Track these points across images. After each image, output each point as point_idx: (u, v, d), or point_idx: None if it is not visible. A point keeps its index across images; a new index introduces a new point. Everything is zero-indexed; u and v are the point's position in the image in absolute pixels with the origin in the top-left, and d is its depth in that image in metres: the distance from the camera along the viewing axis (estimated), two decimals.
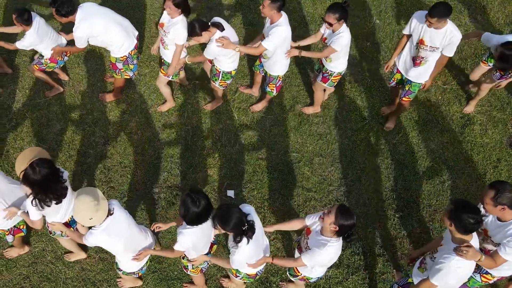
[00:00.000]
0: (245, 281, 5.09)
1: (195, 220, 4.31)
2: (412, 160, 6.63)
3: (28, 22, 6.07)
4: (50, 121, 6.83)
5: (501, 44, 5.90)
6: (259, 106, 7.01)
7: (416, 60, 6.02)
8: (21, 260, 5.83)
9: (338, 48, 5.95)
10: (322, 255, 4.39)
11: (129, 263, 4.90)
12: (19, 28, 6.28)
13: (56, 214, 4.77)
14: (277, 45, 5.95)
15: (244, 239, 4.35)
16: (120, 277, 5.68)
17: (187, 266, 5.05)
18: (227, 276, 5.68)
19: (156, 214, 6.13)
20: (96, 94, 7.08)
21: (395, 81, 6.47)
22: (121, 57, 6.43)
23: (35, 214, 4.65)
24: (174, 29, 5.91)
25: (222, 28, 5.84)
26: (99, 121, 6.85)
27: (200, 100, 7.10)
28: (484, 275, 4.94)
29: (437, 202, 6.30)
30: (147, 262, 5.12)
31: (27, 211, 4.70)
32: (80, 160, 6.52)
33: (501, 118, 7.03)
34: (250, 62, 7.43)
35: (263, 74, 6.69)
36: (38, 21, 6.18)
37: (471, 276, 4.95)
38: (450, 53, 5.83)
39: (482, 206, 4.50)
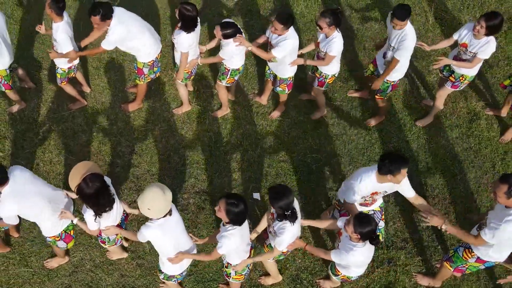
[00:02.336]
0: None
1: (238, 217, 4.55)
2: (424, 156, 6.92)
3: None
4: (76, 133, 6.98)
5: (481, 19, 6.01)
6: (277, 113, 7.23)
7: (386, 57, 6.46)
8: (62, 270, 6.01)
9: (335, 53, 6.25)
10: (349, 258, 4.75)
11: (172, 265, 5.11)
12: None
13: (109, 218, 5.02)
14: (285, 54, 6.23)
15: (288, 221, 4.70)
16: (163, 282, 5.90)
17: (230, 273, 5.25)
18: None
19: (188, 219, 6.34)
20: (118, 105, 7.23)
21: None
22: (149, 62, 6.60)
23: (93, 225, 4.91)
24: (178, 37, 6.14)
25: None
26: (124, 131, 7.02)
27: (219, 106, 7.30)
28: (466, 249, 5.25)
29: (451, 195, 6.61)
30: (187, 268, 5.36)
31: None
32: (109, 170, 6.69)
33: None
34: (259, 71, 7.69)
35: (272, 79, 6.89)
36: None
37: (456, 250, 5.34)
38: (398, 56, 6.15)
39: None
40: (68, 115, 7.12)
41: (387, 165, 4.79)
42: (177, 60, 6.51)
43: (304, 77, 7.42)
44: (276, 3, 8.36)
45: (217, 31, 6.05)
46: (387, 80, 6.54)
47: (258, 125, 7.13)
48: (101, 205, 4.76)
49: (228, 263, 5.16)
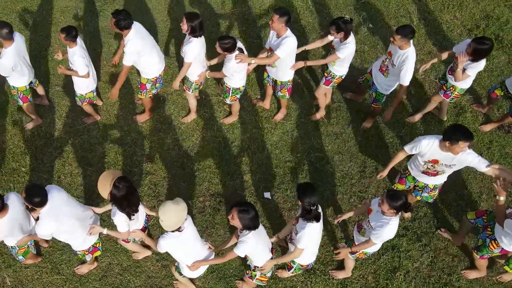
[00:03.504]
0: (295, 274, 5.80)
1: (251, 223, 4.90)
2: None
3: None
4: (92, 145, 7.26)
5: (472, 40, 6.38)
6: (280, 116, 7.59)
7: (382, 67, 6.78)
8: (92, 275, 6.32)
9: (342, 55, 6.56)
10: (387, 232, 5.15)
11: (189, 271, 5.42)
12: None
13: (136, 222, 5.37)
14: (287, 53, 6.50)
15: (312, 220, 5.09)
16: (177, 280, 6.25)
17: (255, 275, 5.59)
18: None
19: (205, 221, 6.70)
20: (130, 116, 7.52)
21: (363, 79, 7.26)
22: (153, 78, 6.88)
23: (124, 227, 5.22)
24: (187, 46, 6.41)
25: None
26: (138, 140, 7.32)
27: (226, 113, 7.63)
28: (493, 241, 5.73)
29: (445, 184, 7.08)
30: (205, 271, 5.69)
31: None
32: (128, 174, 6.93)
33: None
34: (259, 78, 8.02)
35: (272, 84, 7.21)
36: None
37: (485, 240, 5.82)
38: (401, 80, 6.46)
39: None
40: (84, 129, 7.39)
41: (449, 132, 5.26)
42: (188, 74, 6.79)
43: (301, 81, 7.84)
44: (271, 12, 8.66)
45: (217, 45, 6.33)
46: (382, 93, 6.98)
47: (264, 129, 7.49)
48: (132, 206, 5.11)
49: (255, 266, 5.49)
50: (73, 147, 7.23)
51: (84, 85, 6.77)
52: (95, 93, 7.02)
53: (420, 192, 6.23)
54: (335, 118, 7.62)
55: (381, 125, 7.56)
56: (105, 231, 5.45)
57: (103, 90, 7.74)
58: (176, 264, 5.63)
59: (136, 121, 7.47)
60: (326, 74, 7.02)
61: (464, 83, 6.85)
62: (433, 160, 5.63)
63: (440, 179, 6.03)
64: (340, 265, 6.41)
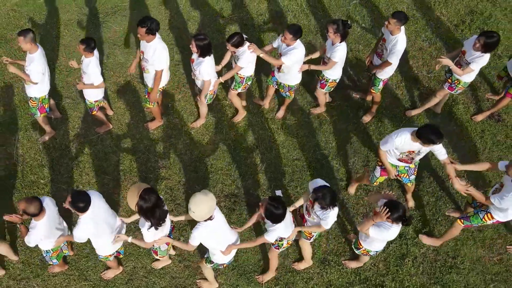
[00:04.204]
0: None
1: (279, 219, 5.22)
2: None
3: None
4: (107, 154, 7.38)
5: (480, 35, 6.65)
6: (282, 113, 7.82)
7: (379, 52, 7.12)
8: (118, 280, 6.48)
9: (337, 60, 6.83)
10: (385, 234, 5.44)
11: (221, 256, 5.65)
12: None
13: (162, 232, 5.52)
14: (294, 62, 6.80)
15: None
16: (200, 279, 6.50)
17: (281, 244, 5.88)
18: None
19: None
20: (141, 124, 7.66)
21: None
22: (160, 88, 7.04)
23: (149, 237, 5.38)
24: (200, 67, 6.61)
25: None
26: (150, 147, 7.47)
27: (232, 115, 7.81)
28: (487, 214, 6.05)
29: (443, 174, 7.40)
30: (234, 257, 5.93)
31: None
32: (144, 181, 7.12)
33: (478, 95, 8.18)
34: (258, 80, 8.23)
35: (276, 87, 7.45)
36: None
37: (476, 212, 6.15)
38: (390, 59, 6.83)
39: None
40: (97, 139, 7.50)
41: (424, 134, 5.62)
42: (199, 85, 7.00)
43: (303, 81, 8.07)
44: (268, 16, 8.89)
45: (228, 46, 6.57)
46: (378, 76, 7.26)
47: (270, 129, 7.69)
48: (160, 217, 5.25)
49: (280, 238, 5.74)
50: (89, 157, 7.35)
51: (94, 93, 6.91)
52: (103, 101, 7.17)
53: (408, 177, 6.51)
54: (337, 116, 7.87)
55: (380, 120, 7.83)
56: (129, 239, 5.60)
57: (113, 100, 7.86)
58: (206, 256, 5.86)
59: (148, 128, 7.61)
60: (320, 78, 7.28)
61: (468, 77, 7.12)
62: (408, 151, 6.01)
63: (417, 160, 6.40)
64: (353, 256, 6.69)
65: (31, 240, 5.38)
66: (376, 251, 6.03)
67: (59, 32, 8.52)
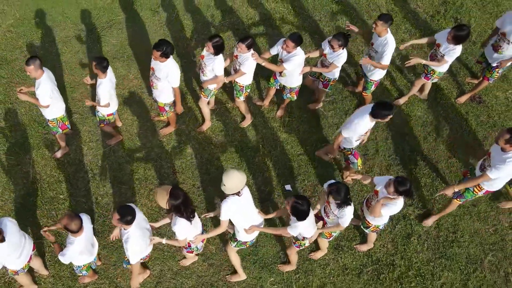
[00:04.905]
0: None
1: (303, 216, 5.47)
2: (408, 127, 8.01)
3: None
4: (121, 165, 7.46)
5: (452, 28, 7.03)
6: (281, 111, 8.03)
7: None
8: (148, 284, 6.61)
9: (339, 64, 7.15)
10: (394, 209, 5.79)
11: (245, 234, 5.89)
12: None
13: (195, 228, 5.75)
14: (296, 67, 7.04)
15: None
16: (229, 275, 6.70)
17: (303, 244, 6.11)
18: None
19: None
20: (150, 133, 7.75)
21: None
22: (170, 102, 7.18)
23: (182, 234, 5.59)
24: (213, 63, 6.78)
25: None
26: (162, 155, 7.58)
27: (237, 118, 7.99)
28: (476, 186, 6.43)
29: (435, 155, 7.78)
30: (256, 237, 6.15)
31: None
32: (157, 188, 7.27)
33: (459, 80, 8.58)
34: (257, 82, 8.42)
35: (278, 88, 7.67)
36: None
37: (468, 189, 6.52)
38: (384, 61, 7.11)
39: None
40: (109, 151, 7.56)
41: (378, 110, 6.06)
42: (206, 84, 7.13)
43: None
44: (258, 19, 9.06)
45: (240, 46, 6.71)
46: (371, 80, 7.54)
47: (272, 128, 7.91)
48: (190, 210, 5.50)
49: (303, 237, 6.00)
50: (103, 168, 7.42)
51: (107, 109, 6.98)
52: (114, 116, 7.23)
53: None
54: (333, 110, 8.14)
55: None
56: (164, 240, 5.76)
57: (120, 112, 7.88)
58: (231, 236, 6.15)
59: (162, 133, 7.72)
60: (321, 80, 7.54)
61: (442, 68, 7.47)
62: (366, 132, 6.54)
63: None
64: (363, 239, 7.01)
65: (67, 255, 5.46)
66: (384, 224, 6.37)
67: (58, 49, 8.49)
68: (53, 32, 8.69)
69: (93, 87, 7.40)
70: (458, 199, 6.66)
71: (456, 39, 6.95)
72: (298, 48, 6.92)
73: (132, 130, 7.79)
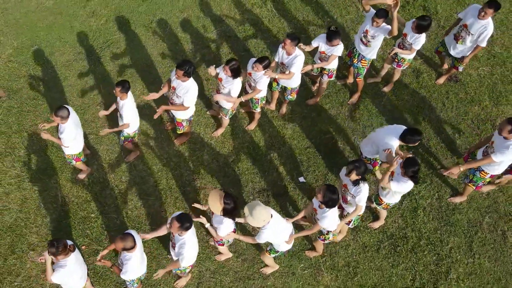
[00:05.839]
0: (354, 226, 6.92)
1: (335, 203, 5.84)
2: (399, 112, 8.39)
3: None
4: (143, 178, 7.54)
5: (416, 18, 7.45)
6: (284, 110, 8.28)
7: (364, 42, 7.68)
8: (190, 286, 6.79)
9: (340, 54, 7.46)
10: (404, 187, 6.24)
11: (286, 245, 6.22)
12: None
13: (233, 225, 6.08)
14: (300, 68, 7.31)
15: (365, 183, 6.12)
16: (263, 267, 6.96)
17: (328, 237, 6.50)
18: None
19: None
20: (166, 145, 7.84)
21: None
22: (187, 118, 7.31)
23: (225, 233, 5.98)
24: (232, 85, 6.97)
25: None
26: (180, 163, 7.69)
27: (243, 121, 8.17)
28: (481, 172, 6.94)
29: (426, 133, 8.22)
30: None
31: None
32: (184, 197, 7.43)
33: (435, 63, 9.04)
34: None
35: (280, 90, 7.91)
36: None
37: (474, 174, 7.00)
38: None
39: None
40: (130, 166, 7.62)
41: (411, 137, 6.37)
42: (223, 104, 7.33)
43: None
44: (247, 25, 9.21)
45: (257, 66, 6.90)
46: (362, 65, 7.91)
47: (277, 127, 8.15)
48: (238, 213, 5.90)
49: (328, 231, 6.38)
50: (127, 183, 7.48)
51: (133, 125, 7.06)
52: (137, 132, 7.32)
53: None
54: (330, 103, 8.45)
55: (365, 100, 8.50)
56: (207, 225, 6.06)
57: None
58: (269, 249, 6.40)
59: (178, 143, 7.83)
60: (326, 72, 7.81)
61: (411, 55, 7.91)
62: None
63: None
64: (375, 218, 7.41)
65: (129, 272, 5.61)
66: (395, 202, 6.79)
67: (62, 74, 8.40)
68: (53, 58, 8.59)
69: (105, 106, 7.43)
70: (471, 184, 7.13)
71: (419, 28, 7.37)
72: (298, 49, 7.15)
73: (148, 143, 7.84)
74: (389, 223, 7.38)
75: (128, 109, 6.72)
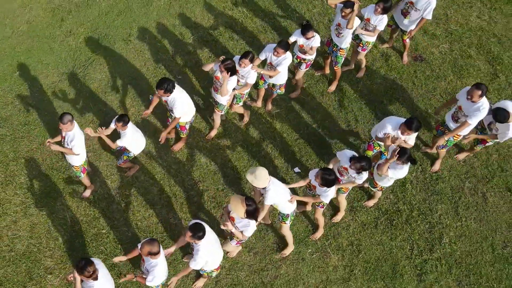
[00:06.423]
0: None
1: (332, 183, 6.13)
2: (374, 95, 8.58)
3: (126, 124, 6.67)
4: (147, 188, 7.45)
5: (379, 1, 7.60)
6: (270, 105, 8.32)
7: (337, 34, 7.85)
8: (208, 285, 6.83)
9: (319, 44, 7.60)
10: (400, 173, 6.51)
11: (289, 206, 6.46)
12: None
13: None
14: (286, 67, 7.46)
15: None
16: (281, 252, 7.11)
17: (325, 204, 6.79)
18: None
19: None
20: (164, 153, 7.75)
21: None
22: (189, 120, 7.31)
23: (251, 233, 6.10)
24: (229, 82, 6.98)
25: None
26: (180, 169, 7.65)
27: (234, 121, 8.18)
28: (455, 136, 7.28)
29: (401, 112, 8.49)
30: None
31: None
32: (189, 202, 7.40)
33: (399, 46, 9.35)
34: None
35: (266, 87, 7.96)
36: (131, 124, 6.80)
37: (449, 140, 7.37)
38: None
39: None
40: (132, 180, 7.51)
41: (412, 125, 6.50)
42: (218, 99, 7.34)
43: None
44: (221, 29, 9.14)
45: (244, 61, 6.99)
46: (340, 53, 8.06)
47: (266, 122, 8.20)
48: (259, 214, 6.05)
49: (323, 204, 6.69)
50: (132, 196, 7.38)
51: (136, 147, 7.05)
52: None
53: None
54: (311, 94, 8.57)
55: (343, 87, 8.66)
56: (233, 229, 6.16)
57: None
58: (280, 218, 6.64)
59: (175, 150, 7.77)
60: (305, 62, 7.91)
61: (374, 38, 8.11)
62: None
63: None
64: (369, 197, 7.65)
65: (156, 277, 5.61)
66: (388, 186, 7.06)
67: (49, 96, 8.11)
68: (38, 81, 8.27)
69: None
70: (444, 149, 7.51)
71: (385, 10, 7.63)
72: (287, 52, 7.27)
73: (146, 154, 7.73)
74: (382, 200, 7.63)
75: (128, 138, 6.75)
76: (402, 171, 6.50)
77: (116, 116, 6.68)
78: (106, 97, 8.20)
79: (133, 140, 6.85)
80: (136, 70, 8.55)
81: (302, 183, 6.72)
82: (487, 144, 7.55)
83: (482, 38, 9.39)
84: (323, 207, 6.91)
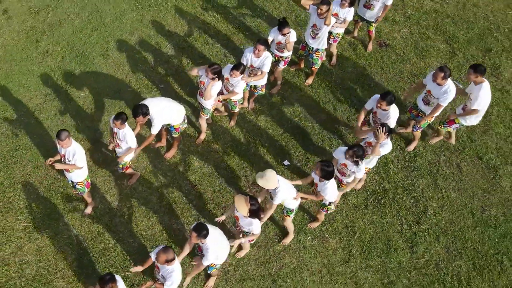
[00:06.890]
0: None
1: (331, 175, 6.29)
2: (347, 83, 8.77)
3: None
4: (147, 198, 7.39)
5: None
6: (252, 104, 8.36)
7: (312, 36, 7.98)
8: (219, 284, 6.90)
9: (295, 39, 7.71)
10: (387, 148, 6.78)
11: (293, 202, 6.60)
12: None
13: None
14: (269, 67, 7.53)
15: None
16: (282, 242, 7.24)
17: (330, 208, 6.90)
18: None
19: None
20: (157, 162, 7.69)
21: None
22: (182, 121, 7.29)
23: (259, 229, 6.24)
24: (213, 87, 7.01)
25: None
26: (175, 176, 7.62)
27: (221, 123, 8.20)
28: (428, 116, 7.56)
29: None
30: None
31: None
32: (189, 206, 7.40)
33: (365, 35, 9.54)
34: None
35: (249, 89, 8.02)
36: None
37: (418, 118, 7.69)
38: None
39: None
40: (131, 191, 7.43)
41: (386, 97, 6.82)
42: (204, 104, 7.36)
43: None
44: (195, 35, 9.08)
45: (235, 73, 7.00)
46: (316, 55, 8.16)
47: (251, 121, 8.25)
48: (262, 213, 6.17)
49: (330, 202, 6.77)
50: (134, 206, 7.31)
51: (131, 155, 6.93)
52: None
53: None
54: (290, 89, 8.68)
55: (319, 79, 8.80)
56: (243, 240, 6.39)
57: None
58: (285, 212, 6.77)
59: (168, 157, 7.73)
60: (283, 59, 8.01)
61: (343, 28, 8.32)
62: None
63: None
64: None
65: (175, 283, 5.70)
66: (373, 167, 7.37)
67: (35, 119, 7.86)
68: (22, 105, 7.99)
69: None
70: (418, 132, 7.83)
71: (351, 3, 7.86)
72: (266, 51, 7.32)
73: (140, 164, 7.68)
74: (368, 181, 7.89)
75: (131, 135, 6.65)
76: (388, 145, 6.78)
77: (113, 116, 6.60)
78: (92, 114, 8.02)
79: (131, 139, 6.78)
80: (119, 83, 8.39)
81: (304, 181, 6.89)
82: (453, 126, 7.77)
83: (437, 20, 9.72)
84: (327, 211, 7.03)
